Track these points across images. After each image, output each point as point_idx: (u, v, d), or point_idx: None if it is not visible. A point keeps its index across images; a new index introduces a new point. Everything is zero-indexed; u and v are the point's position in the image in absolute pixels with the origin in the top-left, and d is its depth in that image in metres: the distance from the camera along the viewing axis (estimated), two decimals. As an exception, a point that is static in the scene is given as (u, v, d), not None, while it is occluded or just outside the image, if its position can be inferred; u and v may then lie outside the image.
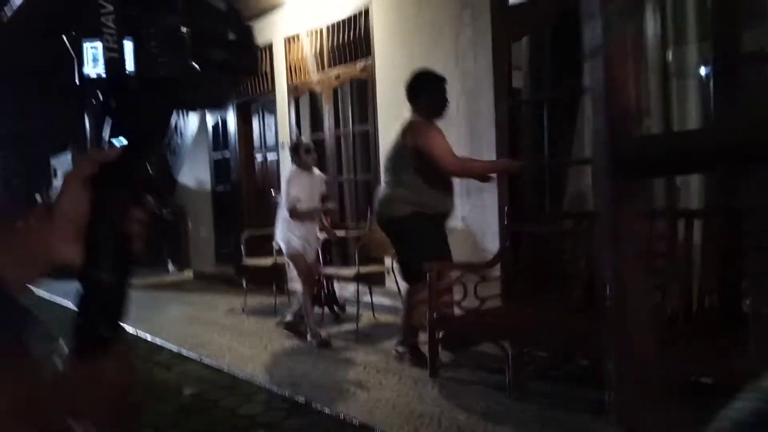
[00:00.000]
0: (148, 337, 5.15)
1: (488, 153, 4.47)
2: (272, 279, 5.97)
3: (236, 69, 0.73)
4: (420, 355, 3.89)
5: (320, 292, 5.47)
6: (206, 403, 3.59)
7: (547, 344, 3.40)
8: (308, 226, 4.83)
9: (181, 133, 9.10)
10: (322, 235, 5.22)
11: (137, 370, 0.62)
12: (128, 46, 0.64)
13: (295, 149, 4.96)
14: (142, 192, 0.68)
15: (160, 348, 4.86)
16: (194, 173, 8.74)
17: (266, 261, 5.86)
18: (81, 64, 0.65)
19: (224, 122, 7.83)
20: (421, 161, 3.79)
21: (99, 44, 0.64)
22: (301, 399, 3.48)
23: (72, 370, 0.59)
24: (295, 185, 4.73)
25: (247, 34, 0.73)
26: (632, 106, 0.81)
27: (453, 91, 4.29)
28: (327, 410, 3.30)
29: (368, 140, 5.68)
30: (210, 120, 8.20)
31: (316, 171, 5.01)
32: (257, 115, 7.45)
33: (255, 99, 7.27)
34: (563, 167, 4.36)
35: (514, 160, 4.28)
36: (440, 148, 3.78)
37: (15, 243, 0.66)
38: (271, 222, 6.50)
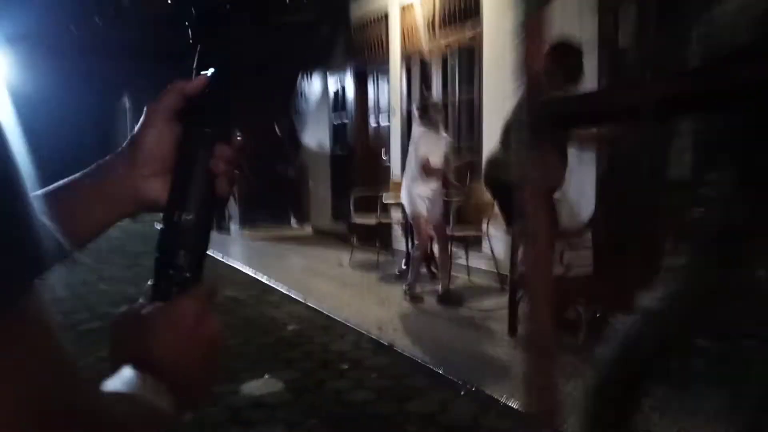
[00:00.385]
0: (265, 279, 5.78)
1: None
2: (378, 236, 6.38)
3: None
4: None
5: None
6: (303, 339, 4.07)
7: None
8: (434, 187, 4.93)
9: (305, 97, 9.72)
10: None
11: (217, 316, 0.55)
12: None
13: (425, 108, 5.12)
14: (239, 131, 0.63)
15: (273, 290, 5.45)
16: (316, 136, 9.33)
17: (372, 219, 6.28)
18: None
19: (343, 88, 8.29)
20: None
21: None
22: (385, 341, 3.85)
23: (148, 313, 0.53)
24: (424, 144, 4.86)
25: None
26: (541, 74, 1.01)
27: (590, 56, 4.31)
28: (406, 353, 3.65)
29: (473, 109, 5.84)
30: (331, 86, 8.70)
31: (443, 132, 5.12)
32: (373, 82, 7.82)
33: (372, 66, 7.63)
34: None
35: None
36: None
37: (97, 181, 0.62)
38: (381, 182, 6.96)
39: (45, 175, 0.50)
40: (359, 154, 8.01)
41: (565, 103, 1.06)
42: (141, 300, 0.55)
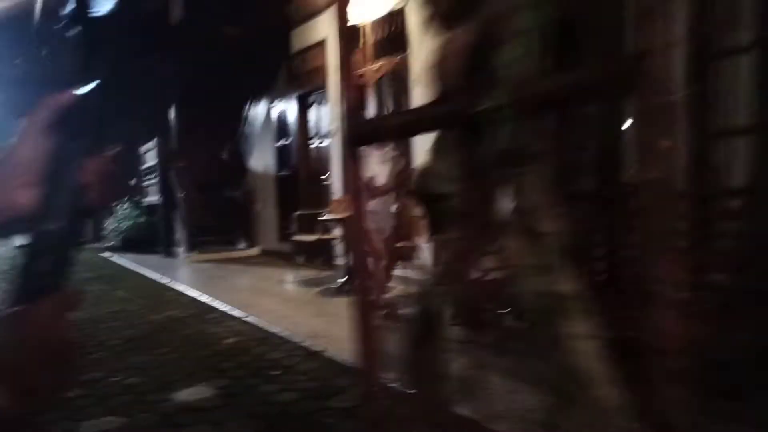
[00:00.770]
0: (206, 299, 5.95)
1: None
2: (319, 253, 6.63)
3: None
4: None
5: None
6: (239, 350, 4.27)
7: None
8: (381, 202, 5.15)
9: (251, 122, 9.95)
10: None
11: (74, 324, 0.56)
12: None
13: None
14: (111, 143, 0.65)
15: (215, 308, 5.63)
16: (262, 159, 9.56)
17: (312, 237, 6.54)
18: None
19: (285, 113, 8.57)
20: None
21: None
22: (316, 348, 4.09)
23: (12, 314, 0.54)
24: (369, 165, 5.04)
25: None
26: (357, 101, 1.29)
27: None
28: (335, 357, 3.90)
29: (404, 128, 6.18)
30: (275, 110, 8.97)
31: (388, 149, 5.30)
32: (314, 106, 8.11)
33: (312, 91, 7.94)
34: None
35: None
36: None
37: None
38: (323, 202, 7.22)
39: None
40: (302, 175, 8.27)
41: (367, 125, 1.32)
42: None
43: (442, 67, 1.09)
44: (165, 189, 9.68)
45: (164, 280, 7.44)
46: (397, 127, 1.18)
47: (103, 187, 0.63)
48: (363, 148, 5.13)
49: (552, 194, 0.96)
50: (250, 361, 4.03)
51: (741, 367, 2.74)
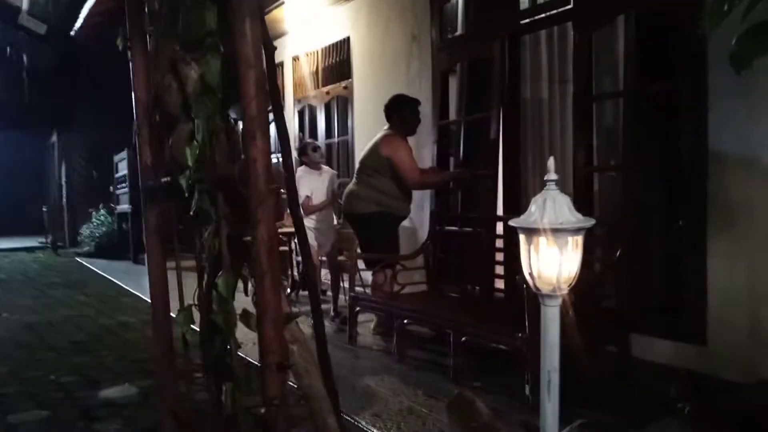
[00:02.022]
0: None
1: (428, 164, 5.31)
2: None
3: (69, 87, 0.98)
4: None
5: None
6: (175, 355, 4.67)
7: (423, 323, 4.23)
8: (323, 219, 5.52)
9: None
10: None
11: None
12: None
13: (303, 149, 5.70)
14: None
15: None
16: (228, 171, 9.98)
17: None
18: None
19: (249, 128, 9.01)
20: (392, 170, 4.61)
21: None
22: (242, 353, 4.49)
23: None
24: (305, 184, 5.48)
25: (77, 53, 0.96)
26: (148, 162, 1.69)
27: None
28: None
29: (348, 148, 6.63)
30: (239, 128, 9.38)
31: (326, 168, 5.73)
32: (272, 124, 8.53)
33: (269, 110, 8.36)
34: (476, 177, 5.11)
35: (465, 170, 4.96)
36: (406, 163, 4.57)
37: None
38: (281, 215, 7.65)
39: None
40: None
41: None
42: None
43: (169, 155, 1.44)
44: (134, 198, 10.07)
45: (126, 286, 7.83)
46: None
47: None
48: (301, 167, 5.69)
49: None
50: (179, 364, 4.42)
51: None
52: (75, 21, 8.94)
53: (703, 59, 3.32)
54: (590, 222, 1.40)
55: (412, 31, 5.51)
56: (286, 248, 6.77)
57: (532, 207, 1.41)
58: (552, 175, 1.41)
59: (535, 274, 1.42)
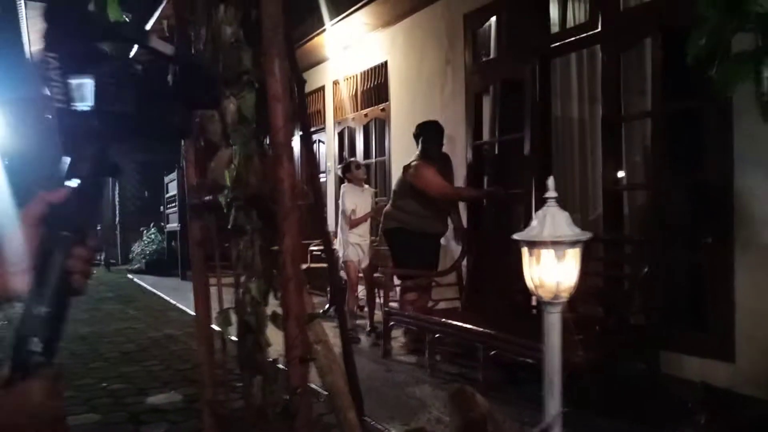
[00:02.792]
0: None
1: (461, 183, 5.45)
2: (312, 281, 7.25)
3: (191, 104, 0.80)
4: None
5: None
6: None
7: (453, 336, 4.35)
8: (363, 234, 5.69)
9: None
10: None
11: (62, 394, 0.65)
12: (85, 84, 0.69)
13: (347, 167, 5.91)
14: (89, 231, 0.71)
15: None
16: (271, 191, 10.32)
17: (303, 266, 7.18)
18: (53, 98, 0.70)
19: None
20: (414, 192, 4.89)
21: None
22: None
23: (4, 391, 0.62)
24: (350, 199, 5.71)
25: (200, 73, 0.79)
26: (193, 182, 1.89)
27: None
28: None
29: (385, 168, 6.83)
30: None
31: (366, 186, 5.95)
32: (317, 144, 8.83)
33: (314, 131, 8.66)
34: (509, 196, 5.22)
35: (498, 188, 5.12)
36: (429, 182, 4.82)
37: None
38: (316, 234, 7.89)
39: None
40: (305, 208, 8.96)
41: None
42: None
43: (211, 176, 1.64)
44: (183, 217, 10.50)
45: (173, 301, 8.16)
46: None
47: (86, 272, 0.71)
48: (344, 183, 5.90)
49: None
50: (221, 373, 4.65)
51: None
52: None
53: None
54: (587, 235, 1.53)
55: (446, 55, 5.69)
56: (325, 264, 6.95)
57: (534, 222, 1.55)
58: (551, 193, 1.55)
59: (537, 283, 1.55)
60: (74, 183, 0.71)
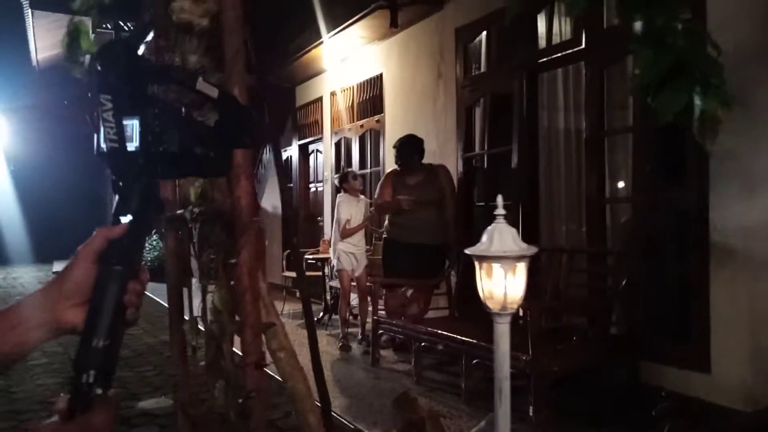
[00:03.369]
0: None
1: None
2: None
3: (230, 143, 0.84)
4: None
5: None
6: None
7: (437, 345, 4.42)
8: (357, 243, 5.79)
9: (264, 165, 10.86)
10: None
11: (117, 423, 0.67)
12: (132, 125, 0.73)
13: (345, 177, 6.00)
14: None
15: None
16: (271, 200, 10.42)
17: (293, 273, 7.29)
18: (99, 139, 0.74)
19: (290, 159, 9.45)
20: None
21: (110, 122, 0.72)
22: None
23: (66, 424, 0.65)
24: (344, 209, 5.81)
25: (240, 114, 0.84)
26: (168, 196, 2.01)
27: (432, 145, 5.53)
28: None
29: (379, 179, 6.92)
30: (283, 155, 9.84)
31: (362, 196, 6.03)
32: (313, 154, 8.96)
33: (312, 140, 8.79)
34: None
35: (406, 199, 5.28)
36: (378, 193, 5.25)
37: (27, 308, 0.75)
38: (312, 242, 8.00)
39: (41, 229, 0.94)
40: (301, 216, 9.08)
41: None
42: (58, 407, 0.67)
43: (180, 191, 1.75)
44: (184, 224, 10.64)
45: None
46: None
47: (137, 304, 0.74)
48: (340, 193, 6.04)
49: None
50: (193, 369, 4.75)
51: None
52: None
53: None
54: (532, 250, 1.62)
55: (438, 68, 5.80)
56: (320, 273, 7.08)
57: (484, 237, 1.64)
58: (500, 210, 1.64)
59: (487, 295, 1.64)
60: (125, 219, 0.74)
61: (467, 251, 1.68)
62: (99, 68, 0.73)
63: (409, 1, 5.66)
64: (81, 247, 0.75)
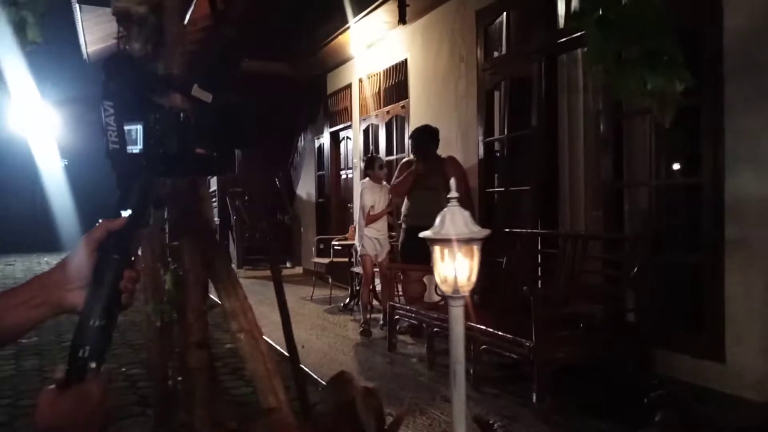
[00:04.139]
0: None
1: (474, 181, 5.48)
2: (330, 275, 7.44)
3: (230, 143, 0.91)
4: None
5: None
6: (229, 353, 5.14)
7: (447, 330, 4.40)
8: (380, 229, 5.82)
9: (299, 153, 10.98)
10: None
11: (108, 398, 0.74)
12: (136, 129, 0.79)
13: (371, 163, 5.97)
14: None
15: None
16: (306, 187, 10.54)
17: (325, 260, 7.36)
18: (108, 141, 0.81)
19: (321, 146, 9.53)
20: (411, 189, 5.26)
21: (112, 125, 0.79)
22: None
23: (62, 392, 0.72)
24: (368, 196, 5.83)
25: (237, 115, 0.89)
26: None
27: (453, 130, 5.52)
28: (307, 369, 4.65)
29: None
30: (317, 143, 9.93)
31: (384, 182, 5.99)
32: (344, 141, 9.00)
33: (343, 128, 8.83)
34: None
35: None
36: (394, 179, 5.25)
37: (35, 287, 0.83)
38: (343, 228, 8.07)
39: (93, 220, 0.85)
40: (333, 203, 9.16)
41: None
42: (56, 377, 0.73)
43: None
44: (222, 211, 10.86)
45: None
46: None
47: (132, 290, 0.82)
48: (364, 180, 6.07)
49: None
50: (233, 363, 4.88)
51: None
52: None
53: (720, 75, 3.33)
54: (484, 233, 1.60)
55: (459, 51, 5.73)
56: (347, 259, 7.14)
57: (437, 221, 1.63)
58: (453, 194, 1.63)
59: (441, 278, 1.64)
60: (125, 213, 0.83)
61: (421, 235, 1.68)
62: (103, 78, 0.80)
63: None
64: (84, 237, 0.82)
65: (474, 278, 1.57)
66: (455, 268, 1.56)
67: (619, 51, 1.42)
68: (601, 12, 1.33)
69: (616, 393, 3.37)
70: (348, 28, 6.90)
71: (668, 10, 1.44)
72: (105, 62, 0.82)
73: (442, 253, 1.60)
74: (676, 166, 3.82)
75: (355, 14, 6.46)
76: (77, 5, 10.13)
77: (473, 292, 4.99)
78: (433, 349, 4.41)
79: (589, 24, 1.32)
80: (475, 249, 1.57)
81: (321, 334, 5.64)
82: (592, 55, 1.39)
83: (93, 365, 0.75)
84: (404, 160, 5.22)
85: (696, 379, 3.48)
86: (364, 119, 7.96)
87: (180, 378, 1.59)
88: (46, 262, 13.95)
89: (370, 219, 5.79)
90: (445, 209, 1.60)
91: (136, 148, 0.81)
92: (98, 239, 0.81)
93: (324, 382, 4.12)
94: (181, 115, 0.84)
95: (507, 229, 4.80)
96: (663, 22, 1.35)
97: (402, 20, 5.54)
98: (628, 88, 1.47)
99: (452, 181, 1.61)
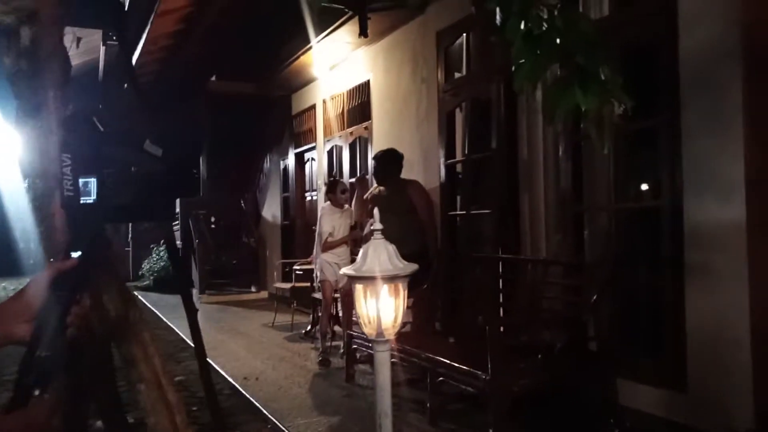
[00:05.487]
0: (187, 338, 6.62)
1: (437, 204, 5.35)
2: (294, 300, 7.22)
3: (175, 192, 1.04)
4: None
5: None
6: (179, 387, 4.88)
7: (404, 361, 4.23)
8: (342, 254, 5.60)
9: (265, 174, 10.78)
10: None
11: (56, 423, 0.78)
12: (91, 182, 0.87)
13: (333, 187, 5.75)
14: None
15: (188, 347, 6.29)
16: (271, 209, 10.33)
17: (287, 285, 7.15)
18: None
19: (286, 167, 9.34)
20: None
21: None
22: (240, 387, 4.64)
23: (7, 416, 0.78)
24: (327, 221, 5.61)
25: (183, 168, 0.96)
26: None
27: (415, 152, 5.40)
28: (252, 397, 4.43)
29: (368, 188, 6.76)
30: (282, 164, 9.74)
31: (346, 206, 5.82)
32: (309, 162, 8.84)
33: (308, 149, 8.67)
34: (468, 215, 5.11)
35: (357, 231, 5.66)
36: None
37: None
38: (308, 252, 7.86)
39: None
40: (297, 225, 8.95)
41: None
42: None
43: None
44: (185, 234, 10.57)
45: (165, 319, 8.20)
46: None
47: (78, 325, 0.90)
48: (324, 204, 5.90)
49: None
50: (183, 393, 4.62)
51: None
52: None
53: (677, 96, 3.26)
54: (411, 268, 1.44)
55: (421, 72, 5.63)
56: (309, 284, 6.92)
57: (359, 256, 1.47)
58: (377, 225, 1.47)
59: (364, 319, 1.47)
60: (75, 254, 0.90)
61: (342, 271, 1.51)
62: (62, 133, 0.94)
63: (381, 8, 5.47)
64: (35, 276, 0.90)
65: (400, 319, 1.41)
66: (379, 309, 1.39)
67: (546, 69, 1.30)
68: (523, 26, 1.20)
69: (577, 424, 3.22)
70: (311, 47, 6.78)
71: (614, 28, 1.32)
72: (64, 119, 1.00)
73: (365, 292, 1.43)
74: (635, 190, 3.72)
75: (318, 34, 6.35)
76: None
77: (434, 319, 4.91)
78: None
79: (515, 38, 1.20)
80: (401, 287, 1.41)
81: (278, 364, 5.41)
82: (520, 72, 1.26)
83: (36, 392, 0.81)
84: (352, 180, 5.07)
85: (657, 410, 3.36)
86: (328, 140, 7.82)
87: None
88: (3, 288, 13.44)
89: (327, 246, 5.60)
90: (368, 243, 1.44)
91: (90, 199, 0.92)
92: (49, 278, 0.88)
93: (275, 419, 3.93)
94: (132, 168, 0.94)
95: (469, 254, 4.66)
96: (596, 39, 1.24)
97: (363, 33, 5.38)
98: (558, 108, 1.34)
99: (375, 211, 1.45)
